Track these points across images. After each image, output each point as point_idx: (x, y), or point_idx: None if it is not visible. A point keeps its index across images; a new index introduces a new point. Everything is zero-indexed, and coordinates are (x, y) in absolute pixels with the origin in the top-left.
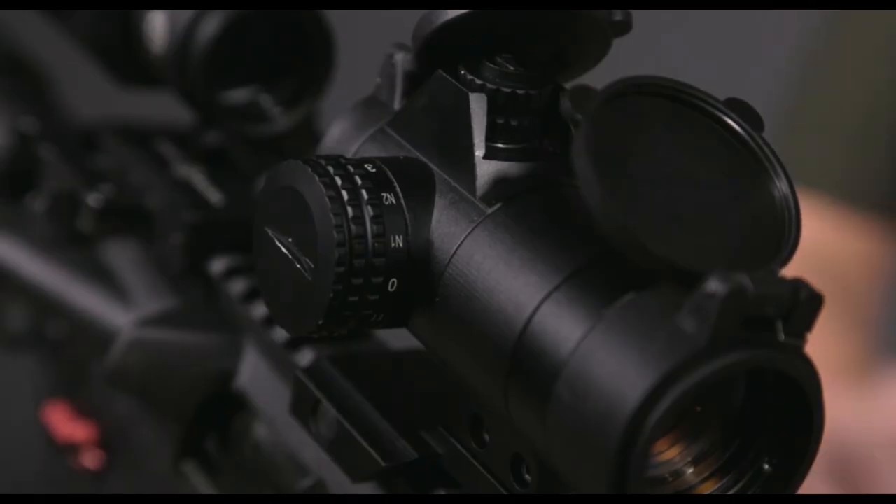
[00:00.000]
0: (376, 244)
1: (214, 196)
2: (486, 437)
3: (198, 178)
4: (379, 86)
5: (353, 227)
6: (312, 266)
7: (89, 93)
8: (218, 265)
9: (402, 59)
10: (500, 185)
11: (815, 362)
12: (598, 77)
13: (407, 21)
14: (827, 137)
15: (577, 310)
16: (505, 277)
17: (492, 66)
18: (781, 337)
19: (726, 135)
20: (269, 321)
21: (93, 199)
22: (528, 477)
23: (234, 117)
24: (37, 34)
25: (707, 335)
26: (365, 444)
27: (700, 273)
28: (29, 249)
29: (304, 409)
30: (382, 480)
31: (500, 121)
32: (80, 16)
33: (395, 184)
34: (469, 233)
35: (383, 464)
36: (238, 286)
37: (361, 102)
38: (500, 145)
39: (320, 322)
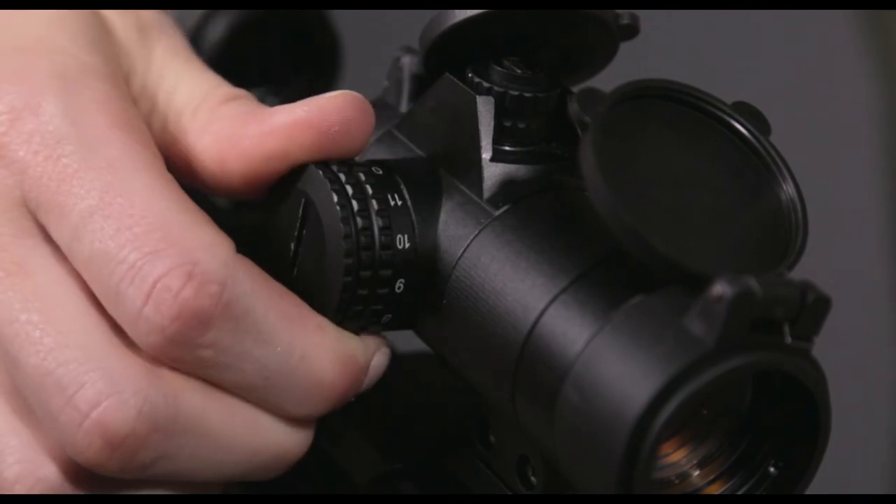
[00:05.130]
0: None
1: (221, 198)
2: (492, 438)
3: None
4: (386, 88)
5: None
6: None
7: None
8: None
9: (409, 62)
10: (507, 188)
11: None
12: (603, 80)
13: (414, 23)
14: None
15: (584, 312)
16: (512, 279)
17: (499, 69)
18: (789, 339)
19: (734, 138)
20: None
21: None
22: (533, 479)
23: None
24: None
25: (715, 338)
26: (366, 444)
27: (708, 276)
28: None
29: None
30: (383, 480)
31: (508, 123)
32: None
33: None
34: (476, 235)
35: (384, 464)
36: None
37: None
38: (508, 148)
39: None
